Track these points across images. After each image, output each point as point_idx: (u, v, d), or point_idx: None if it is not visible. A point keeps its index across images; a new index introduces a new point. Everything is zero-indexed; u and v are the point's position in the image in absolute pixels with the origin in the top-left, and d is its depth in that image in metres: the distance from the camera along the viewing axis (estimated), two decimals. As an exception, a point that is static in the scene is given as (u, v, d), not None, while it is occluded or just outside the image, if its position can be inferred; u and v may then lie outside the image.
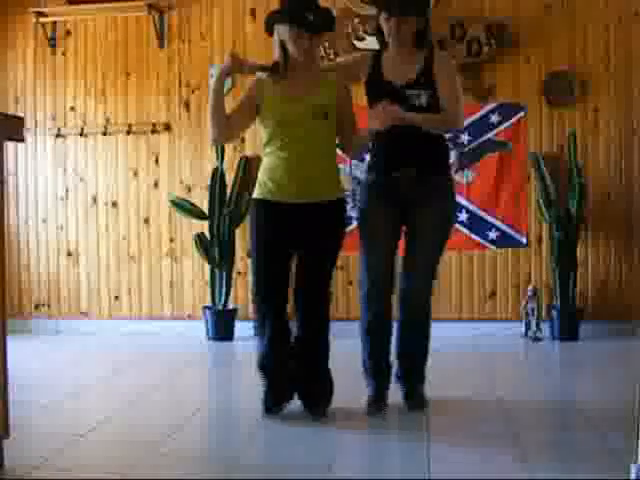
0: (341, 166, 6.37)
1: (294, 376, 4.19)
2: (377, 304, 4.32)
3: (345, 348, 4.53)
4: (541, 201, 6.28)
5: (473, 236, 6.47)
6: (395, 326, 4.38)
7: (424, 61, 4.20)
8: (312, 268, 4.20)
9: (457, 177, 6.43)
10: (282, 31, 4.13)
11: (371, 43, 6.03)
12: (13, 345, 3.29)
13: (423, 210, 4.23)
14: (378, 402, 4.24)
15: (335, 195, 4.19)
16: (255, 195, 4.21)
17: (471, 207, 6.45)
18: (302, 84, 4.14)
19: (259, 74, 4.31)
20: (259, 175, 4.23)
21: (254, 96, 4.19)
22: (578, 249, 6.26)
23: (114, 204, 6.82)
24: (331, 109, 4.11)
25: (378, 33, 4.29)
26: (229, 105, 4.26)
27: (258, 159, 6.55)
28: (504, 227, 6.45)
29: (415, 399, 4.28)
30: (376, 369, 4.33)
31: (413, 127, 4.08)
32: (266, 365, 4.19)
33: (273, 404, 4.14)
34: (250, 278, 4.49)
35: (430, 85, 4.16)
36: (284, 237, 4.13)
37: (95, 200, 6.85)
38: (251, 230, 4.23)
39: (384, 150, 4.26)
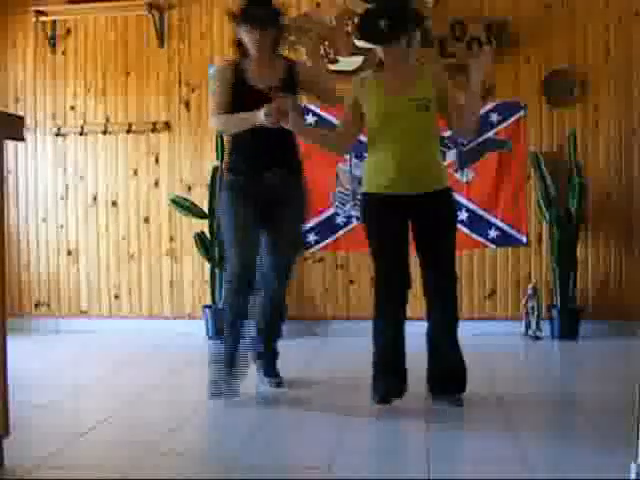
0: (340, 165, 6.41)
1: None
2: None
3: (348, 347, 4.53)
4: (541, 200, 6.28)
5: (473, 235, 6.47)
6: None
7: (286, 68, 4.52)
8: (436, 252, 4.33)
9: (457, 176, 6.45)
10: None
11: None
12: (13, 344, 3.29)
13: (284, 210, 4.48)
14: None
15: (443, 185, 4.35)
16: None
17: (471, 206, 6.45)
18: (399, 80, 4.26)
19: (363, 74, 4.57)
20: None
21: (356, 97, 4.35)
22: (578, 248, 6.27)
23: (114, 203, 6.82)
24: (431, 101, 4.23)
25: (238, 44, 4.57)
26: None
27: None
28: (504, 226, 6.45)
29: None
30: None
31: (277, 129, 4.28)
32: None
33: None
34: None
35: (293, 89, 4.47)
36: (399, 227, 4.31)
37: (95, 199, 6.85)
38: (367, 225, 4.39)
39: (249, 152, 4.49)
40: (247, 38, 4.46)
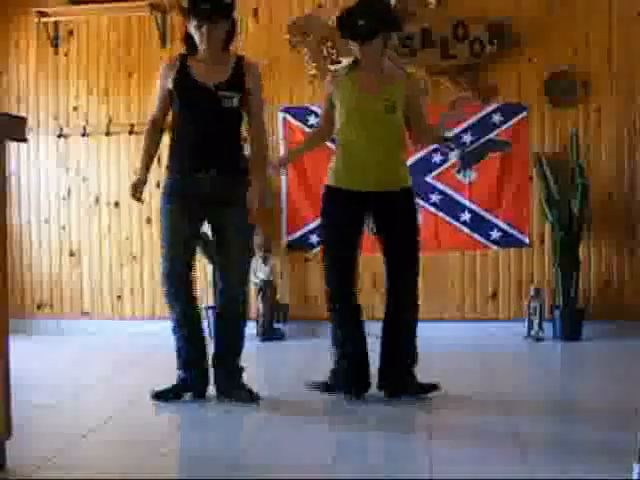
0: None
1: None
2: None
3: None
4: (543, 201, 6.28)
5: (475, 236, 6.47)
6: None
7: (235, 66, 4.41)
8: (397, 252, 4.43)
9: (459, 177, 6.45)
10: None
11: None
12: (15, 345, 3.30)
13: (224, 211, 4.42)
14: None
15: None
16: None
17: (473, 207, 6.45)
18: (373, 79, 4.37)
19: (337, 68, 4.76)
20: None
21: (330, 94, 4.50)
22: (580, 249, 6.26)
23: (116, 204, 6.82)
24: (398, 105, 4.35)
25: (186, 39, 4.42)
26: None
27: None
28: (506, 227, 6.45)
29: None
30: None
31: (216, 128, 4.33)
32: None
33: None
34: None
35: (240, 89, 4.37)
36: (357, 223, 4.44)
37: (97, 200, 6.86)
38: (326, 218, 4.52)
39: (185, 151, 4.45)
40: (196, 33, 4.32)
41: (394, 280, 4.44)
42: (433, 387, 4.41)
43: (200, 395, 4.44)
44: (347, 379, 4.40)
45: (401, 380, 4.40)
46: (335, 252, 4.43)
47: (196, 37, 4.32)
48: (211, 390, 4.47)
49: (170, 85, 4.38)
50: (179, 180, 4.41)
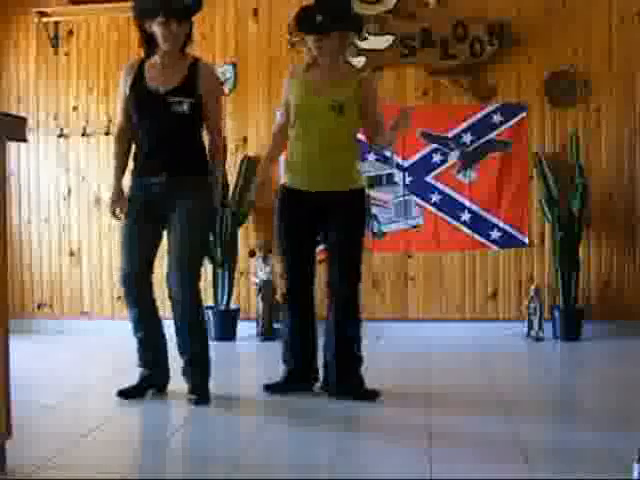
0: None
1: None
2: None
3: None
4: (543, 201, 6.28)
5: (475, 236, 6.47)
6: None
7: (187, 70, 4.35)
8: (335, 256, 4.46)
9: (459, 177, 6.45)
10: None
11: (374, 43, 6.05)
12: (15, 345, 3.29)
13: (175, 212, 4.39)
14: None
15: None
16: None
17: (473, 207, 6.45)
18: (325, 80, 4.41)
19: (295, 65, 4.73)
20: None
21: (286, 94, 4.55)
22: (580, 249, 6.26)
23: (116, 204, 6.81)
24: (347, 104, 4.34)
25: (147, 41, 4.36)
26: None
27: (260, 159, 6.61)
28: (506, 227, 6.45)
29: None
30: None
31: (167, 133, 4.32)
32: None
33: None
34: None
35: (192, 93, 4.31)
36: (303, 222, 4.48)
37: (97, 200, 6.85)
38: (278, 217, 4.59)
39: (140, 155, 4.47)
40: (161, 31, 4.23)
41: (332, 286, 4.46)
42: (374, 394, 4.40)
43: (160, 390, 4.58)
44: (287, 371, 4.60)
45: (340, 380, 4.43)
46: (285, 251, 4.55)
47: (159, 37, 4.26)
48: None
49: (127, 90, 4.37)
50: (136, 183, 4.45)
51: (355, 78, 4.45)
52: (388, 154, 6.40)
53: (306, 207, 4.44)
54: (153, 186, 4.35)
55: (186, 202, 4.33)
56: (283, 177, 4.61)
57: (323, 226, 4.47)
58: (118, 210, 4.51)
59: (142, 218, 4.43)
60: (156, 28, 4.24)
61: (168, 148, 4.34)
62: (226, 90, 6.49)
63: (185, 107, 4.27)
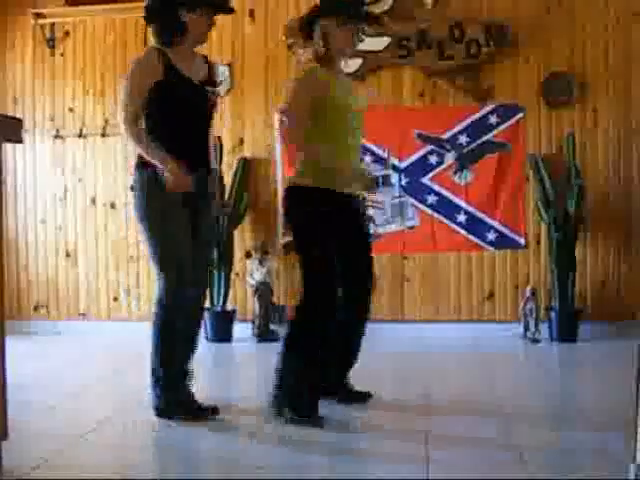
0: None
1: None
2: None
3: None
4: (540, 202, 6.29)
5: (471, 237, 6.47)
6: None
7: (207, 64, 4.28)
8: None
9: (456, 178, 6.45)
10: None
11: (371, 44, 6.04)
12: (12, 346, 3.29)
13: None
14: None
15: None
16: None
17: (470, 208, 6.46)
18: (345, 79, 4.28)
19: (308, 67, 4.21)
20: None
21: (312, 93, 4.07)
22: (577, 250, 6.27)
23: (113, 205, 6.82)
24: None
25: (175, 28, 4.07)
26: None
27: (256, 160, 6.63)
28: (502, 228, 6.45)
29: None
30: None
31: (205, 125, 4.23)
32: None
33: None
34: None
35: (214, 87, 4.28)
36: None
37: (94, 201, 6.85)
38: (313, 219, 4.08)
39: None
40: (205, 25, 4.10)
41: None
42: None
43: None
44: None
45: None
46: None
47: (200, 30, 4.10)
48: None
49: (159, 78, 4.00)
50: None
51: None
52: (385, 155, 6.40)
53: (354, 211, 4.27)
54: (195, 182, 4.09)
55: (210, 201, 4.30)
56: (315, 180, 4.06)
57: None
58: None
59: (183, 217, 4.12)
60: (199, 20, 4.07)
61: (205, 142, 4.23)
62: (222, 91, 6.48)
63: (215, 99, 4.26)
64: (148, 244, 4.13)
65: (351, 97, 4.18)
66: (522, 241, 6.46)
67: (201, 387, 4.57)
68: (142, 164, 4.08)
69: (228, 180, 6.45)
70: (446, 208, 6.48)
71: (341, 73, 4.24)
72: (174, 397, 4.11)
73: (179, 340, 4.16)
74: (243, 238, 6.65)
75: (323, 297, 4.04)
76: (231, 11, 4.28)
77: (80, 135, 6.84)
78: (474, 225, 6.47)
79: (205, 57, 4.35)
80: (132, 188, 4.21)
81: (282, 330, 6.40)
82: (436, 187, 6.48)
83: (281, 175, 6.56)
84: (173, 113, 4.09)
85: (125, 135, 4.05)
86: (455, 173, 6.46)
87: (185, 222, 4.11)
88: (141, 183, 4.12)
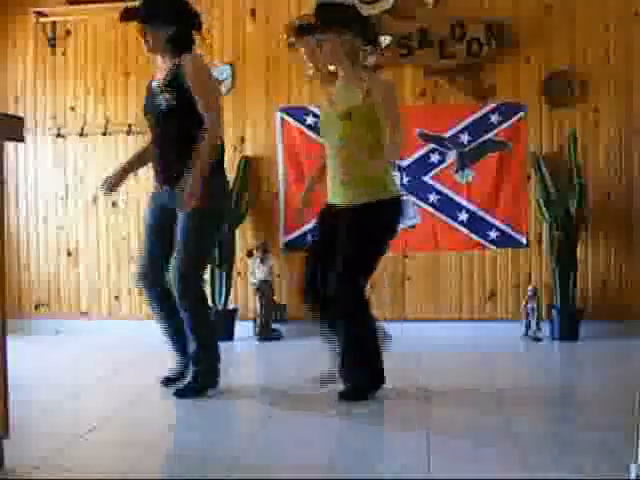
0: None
1: None
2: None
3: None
4: (541, 201, 6.28)
5: (473, 236, 6.47)
6: None
7: (172, 66, 4.40)
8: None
9: (457, 177, 6.45)
10: None
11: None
12: (13, 345, 3.29)
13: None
14: None
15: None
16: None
17: (471, 207, 6.45)
18: (339, 89, 4.40)
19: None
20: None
21: None
22: (578, 249, 6.26)
23: (114, 204, 6.81)
24: (358, 111, 4.26)
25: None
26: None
27: (258, 159, 6.63)
28: (504, 227, 6.45)
29: None
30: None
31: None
32: None
33: None
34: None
35: (174, 91, 4.35)
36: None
37: (95, 200, 6.85)
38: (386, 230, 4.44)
39: None
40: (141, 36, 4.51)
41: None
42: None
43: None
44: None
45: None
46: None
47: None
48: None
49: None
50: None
51: (366, 83, 4.29)
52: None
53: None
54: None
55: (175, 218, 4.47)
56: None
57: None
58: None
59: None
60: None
61: (162, 153, 4.47)
62: (224, 90, 6.48)
63: (164, 102, 4.34)
64: None
65: (331, 108, 4.37)
66: (523, 240, 6.45)
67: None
68: None
69: (230, 179, 6.44)
70: (447, 207, 6.47)
71: (348, 80, 4.38)
72: None
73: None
74: (244, 237, 6.65)
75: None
76: (131, 18, 4.51)
77: (81, 134, 6.84)
78: (475, 224, 6.47)
79: (178, 59, 4.40)
80: None
81: (284, 328, 6.45)
82: (437, 186, 6.48)
83: (282, 174, 6.56)
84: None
85: None
86: (456, 172, 6.46)
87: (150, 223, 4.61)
88: None
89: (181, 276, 4.41)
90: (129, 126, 6.71)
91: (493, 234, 6.46)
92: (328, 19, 4.27)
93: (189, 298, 4.46)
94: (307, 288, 4.50)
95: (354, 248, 4.31)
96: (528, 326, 6.26)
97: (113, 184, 4.65)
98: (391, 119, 4.26)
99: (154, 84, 4.45)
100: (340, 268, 4.30)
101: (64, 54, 6.88)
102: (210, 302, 6.37)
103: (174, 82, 4.33)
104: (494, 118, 6.41)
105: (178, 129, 4.36)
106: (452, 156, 6.46)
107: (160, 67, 4.49)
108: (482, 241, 6.48)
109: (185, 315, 4.50)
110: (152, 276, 4.57)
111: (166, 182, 4.42)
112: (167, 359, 4.71)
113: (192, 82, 4.31)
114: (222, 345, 6.18)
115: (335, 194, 4.40)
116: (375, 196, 4.32)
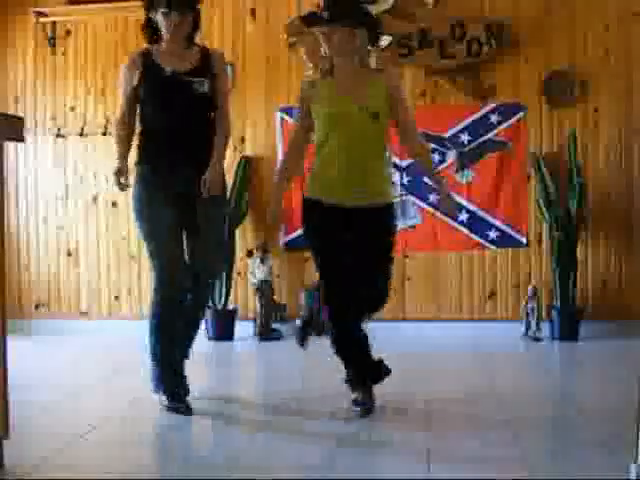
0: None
1: None
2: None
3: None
4: (541, 201, 6.28)
5: (473, 236, 6.47)
6: None
7: (200, 55, 4.33)
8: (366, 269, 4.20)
9: (457, 177, 6.45)
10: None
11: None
12: (13, 345, 3.29)
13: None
14: None
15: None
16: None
17: (471, 207, 6.45)
18: (350, 83, 4.15)
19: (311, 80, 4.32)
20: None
21: (307, 103, 4.21)
22: (578, 249, 6.26)
23: (114, 204, 6.81)
24: (380, 111, 4.09)
25: (148, 28, 4.34)
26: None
27: (258, 159, 6.63)
28: (504, 227, 6.45)
29: None
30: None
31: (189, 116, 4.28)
32: None
33: None
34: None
35: (206, 77, 4.28)
36: (337, 238, 4.16)
37: (95, 200, 6.85)
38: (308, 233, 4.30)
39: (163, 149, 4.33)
40: (163, 21, 4.22)
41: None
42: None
43: None
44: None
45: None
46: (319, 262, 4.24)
47: (162, 26, 4.25)
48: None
49: (139, 78, 4.28)
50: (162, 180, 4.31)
51: (382, 81, 4.17)
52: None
53: (341, 222, 4.16)
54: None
55: (195, 203, 4.31)
56: (307, 190, 4.25)
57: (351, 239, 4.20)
58: (123, 179, 4.33)
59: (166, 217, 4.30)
60: (159, 18, 4.23)
61: (191, 139, 4.29)
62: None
63: (206, 87, 4.26)
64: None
65: (348, 104, 4.10)
66: (524, 240, 6.45)
67: (203, 386, 4.58)
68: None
69: (230, 179, 6.44)
70: (447, 207, 6.47)
71: (357, 76, 4.18)
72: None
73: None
74: (244, 237, 6.65)
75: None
76: (182, 7, 4.25)
77: (81, 134, 6.84)
78: (476, 224, 6.47)
79: (204, 48, 4.40)
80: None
81: (284, 328, 6.45)
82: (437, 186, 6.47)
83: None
84: (150, 110, 4.32)
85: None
86: (456, 172, 6.46)
87: (168, 222, 4.27)
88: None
89: (217, 265, 4.49)
90: (129, 126, 6.70)
91: (493, 234, 6.46)
92: (345, 10, 4.22)
93: (210, 290, 4.50)
94: (345, 306, 4.17)
95: (388, 246, 4.24)
96: (528, 326, 6.26)
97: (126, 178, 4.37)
98: (412, 118, 4.23)
99: (175, 70, 4.25)
100: (381, 268, 4.23)
101: (64, 54, 6.88)
102: (210, 302, 6.40)
103: (205, 70, 4.30)
104: (494, 118, 6.41)
105: (206, 115, 4.34)
106: (452, 156, 6.46)
107: (172, 54, 4.27)
108: (482, 241, 6.48)
109: (198, 313, 4.49)
110: (181, 279, 4.30)
111: (195, 167, 4.26)
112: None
113: (219, 74, 4.35)
114: (222, 345, 6.23)
115: (345, 193, 4.11)
116: (391, 196, 4.30)
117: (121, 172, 4.29)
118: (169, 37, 4.26)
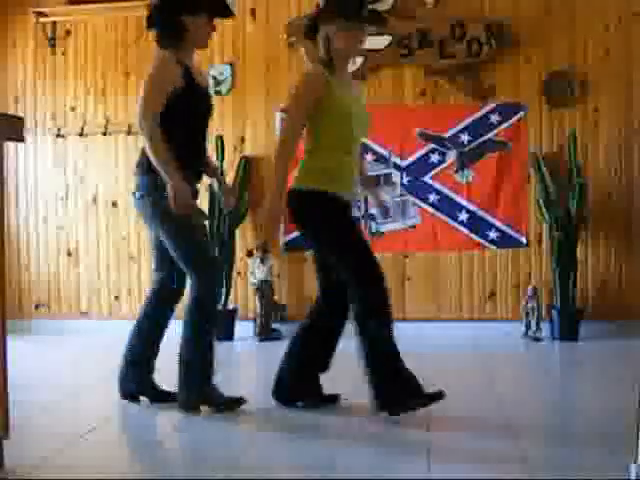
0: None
1: None
2: None
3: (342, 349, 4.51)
4: (541, 201, 6.29)
5: (473, 236, 6.48)
6: None
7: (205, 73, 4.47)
8: None
9: (457, 177, 6.45)
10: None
11: (372, 43, 6.04)
12: (13, 345, 3.29)
13: None
14: None
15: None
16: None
17: (471, 207, 6.46)
18: (352, 84, 4.18)
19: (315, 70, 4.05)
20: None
21: (317, 96, 3.95)
22: (578, 249, 6.27)
23: (114, 204, 6.82)
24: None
25: (179, 32, 4.02)
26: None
27: (258, 159, 6.63)
28: (504, 227, 6.45)
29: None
30: None
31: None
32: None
33: None
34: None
35: None
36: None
37: (95, 200, 6.85)
38: (331, 227, 4.03)
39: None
40: (208, 29, 4.06)
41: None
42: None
43: None
44: None
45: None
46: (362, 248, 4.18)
47: (200, 32, 4.04)
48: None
49: (182, 85, 3.99)
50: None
51: (359, 84, 4.32)
52: (386, 154, 6.42)
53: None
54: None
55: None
56: (325, 185, 3.99)
57: None
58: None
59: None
60: (200, 24, 4.02)
61: (205, 151, 4.35)
62: (224, 90, 6.52)
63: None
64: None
65: (354, 101, 4.08)
66: (524, 240, 6.46)
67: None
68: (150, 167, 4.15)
69: (230, 179, 6.45)
70: (447, 207, 6.48)
71: (348, 76, 4.16)
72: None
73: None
74: (244, 237, 6.65)
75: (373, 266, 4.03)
76: (231, 14, 4.26)
77: (81, 134, 6.84)
78: (475, 224, 6.47)
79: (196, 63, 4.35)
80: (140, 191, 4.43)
81: (284, 328, 6.45)
82: (437, 186, 6.49)
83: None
84: (188, 121, 4.10)
85: (142, 132, 4.02)
86: (456, 172, 6.46)
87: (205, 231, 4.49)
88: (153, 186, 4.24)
89: None
90: (129, 126, 6.71)
91: (493, 234, 6.47)
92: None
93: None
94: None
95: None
96: (528, 326, 6.26)
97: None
98: None
99: (204, 83, 4.26)
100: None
101: (64, 54, 6.88)
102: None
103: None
104: (494, 118, 6.42)
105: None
106: (452, 156, 6.46)
107: (195, 67, 4.18)
108: (482, 241, 6.48)
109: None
110: None
111: (201, 177, 4.34)
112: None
113: None
114: (222, 345, 6.22)
115: (351, 189, 4.15)
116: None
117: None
118: (199, 44, 4.13)
